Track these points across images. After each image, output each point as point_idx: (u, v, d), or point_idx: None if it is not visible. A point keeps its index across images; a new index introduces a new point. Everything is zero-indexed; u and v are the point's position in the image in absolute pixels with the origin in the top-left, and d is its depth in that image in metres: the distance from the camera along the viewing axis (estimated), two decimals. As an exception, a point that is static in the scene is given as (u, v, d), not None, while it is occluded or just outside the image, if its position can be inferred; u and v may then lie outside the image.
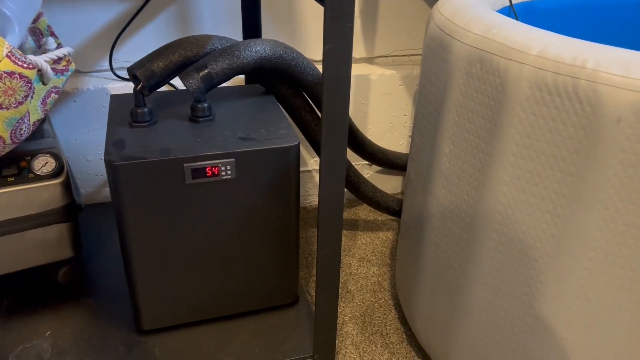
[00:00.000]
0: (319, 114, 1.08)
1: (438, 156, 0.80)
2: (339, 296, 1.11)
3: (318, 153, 1.12)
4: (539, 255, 0.69)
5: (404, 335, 1.01)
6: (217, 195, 0.81)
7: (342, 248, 1.25)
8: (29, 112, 0.86)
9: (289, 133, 0.84)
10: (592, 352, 0.69)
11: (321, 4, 0.61)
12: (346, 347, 0.99)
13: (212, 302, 0.90)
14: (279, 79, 0.98)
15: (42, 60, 0.86)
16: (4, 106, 0.77)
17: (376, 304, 1.09)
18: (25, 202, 0.89)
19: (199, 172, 0.78)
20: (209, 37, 0.87)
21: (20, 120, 0.82)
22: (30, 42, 1.00)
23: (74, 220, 0.95)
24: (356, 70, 1.30)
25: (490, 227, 0.73)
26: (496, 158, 0.70)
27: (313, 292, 1.10)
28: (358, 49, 1.33)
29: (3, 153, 0.84)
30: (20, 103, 0.79)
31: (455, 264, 0.81)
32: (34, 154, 0.91)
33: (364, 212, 1.39)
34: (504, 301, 0.75)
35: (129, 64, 1.21)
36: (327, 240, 0.75)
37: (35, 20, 1.02)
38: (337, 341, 1.01)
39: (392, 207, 1.26)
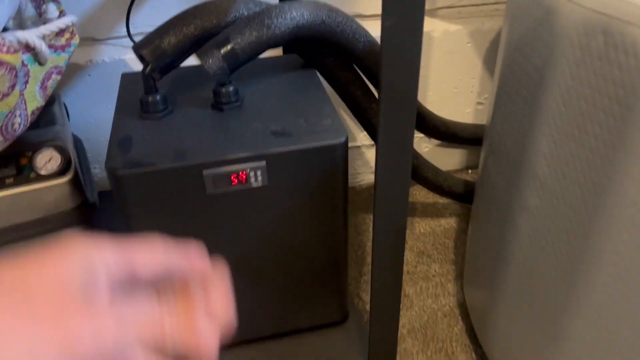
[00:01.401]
0: (372, 88, 0.89)
1: (533, 156, 0.60)
2: (395, 301, 0.95)
3: (370, 133, 0.94)
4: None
5: (473, 355, 0.85)
6: (245, 206, 0.65)
7: (398, 239, 1.08)
8: (24, 101, 0.71)
9: (334, 124, 0.67)
10: None
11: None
12: (405, 369, 0.84)
13: (249, 323, 0.76)
14: (322, 49, 0.79)
15: (33, 36, 0.71)
16: (-17, 101, 0.63)
17: (439, 313, 0.93)
18: (28, 206, 0.76)
19: (222, 180, 0.62)
20: (233, 0, 0.69)
21: (10, 114, 0.68)
22: (30, 10, 0.84)
23: (87, 223, 0.82)
24: (415, 27, 1.09)
25: (610, 248, 0.55)
26: (623, 168, 0.50)
27: (364, 296, 0.95)
28: (417, 1, 1.11)
29: (-5, 152, 0.71)
30: (6, 95, 0.65)
31: (554, 286, 0.63)
32: (36, 148, 0.77)
33: (422, 192, 1.21)
34: (632, 331, 0.57)
35: (150, 28, 1.05)
36: (385, 266, 0.59)
37: (35, -16, 0.86)
38: (393, 360, 0.86)
39: (457, 192, 1.08)
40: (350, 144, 1.20)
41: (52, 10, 0.83)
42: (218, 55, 0.65)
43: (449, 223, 1.13)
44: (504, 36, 0.69)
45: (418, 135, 1.22)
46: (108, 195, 0.99)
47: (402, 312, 0.93)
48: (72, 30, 0.83)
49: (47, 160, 0.77)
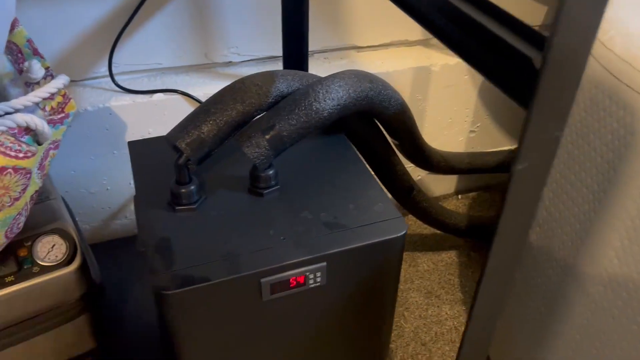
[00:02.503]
0: (391, 143, 0.85)
1: (600, 248, 0.59)
2: (415, 352, 0.94)
3: (385, 185, 0.90)
4: None
5: (499, 406, 0.86)
6: (299, 307, 0.60)
7: (404, 279, 1.07)
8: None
9: (386, 209, 0.63)
10: None
11: (521, 106, 0.38)
12: None
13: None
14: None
15: (35, 118, 0.61)
16: (-7, 210, 0.53)
17: (458, 361, 0.92)
18: (30, 303, 0.67)
19: (280, 286, 0.57)
20: (271, 76, 0.62)
21: (18, 216, 0.58)
22: (7, 65, 0.72)
23: (96, 308, 0.74)
24: (414, 59, 1.06)
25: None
26: None
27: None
28: (414, 30, 1.08)
29: (-4, 254, 0.61)
30: (17, 199, 0.55)
31: (609, 376, 0.63)
32: (34, 235, 0.67)
33: (418, 222, 1.19)
34: None
35: (133, 68, 0.95)
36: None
37: (9, 32, 0.74)
38: (424, 421, 0.85)
39: (461, 228, 1.07)
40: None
41: (36, 68, 0.72)
42: (263, 143, 0.58)
43: (450, 257, 1.12)
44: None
45: (410, 165, 1.19)
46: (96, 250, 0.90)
47: (422, 364, 0.92)
48: (65, 93, 0.73)
49: (49, 248, 0.68)
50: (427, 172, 1.19)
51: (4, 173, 0.51)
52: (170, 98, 0.92)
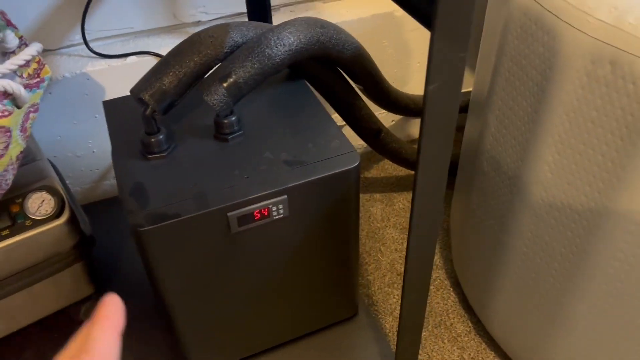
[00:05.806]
0: (352, 84, 0.90)
1: (536, 164, 0.65)
2: (391, 281, 1.01)
3: (352, 127, 0.96)
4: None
5: (469, 324, 0.93)
6: (266, 237, 0.66)
7: (380, 218, 1.13)
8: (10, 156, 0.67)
9: (342, 145, 0.68)
10: None
11: (427, 28, 0.43)
12: (412, 348, 0.91)
13: (268, 335, 0.80)
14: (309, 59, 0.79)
15: (12, 83, 0.66)
16: (-20, 167, 0.59)
17: (432, 287, 0.99)
18: (26, 254, 0.73)
19: (246, 219, 0.63)
20: (225, 28, 0.67)
21: (4, 172, 0.64)
22: (-19, 37, 0.77)
23: (88, 257, 0.80)
24: (377, 6, 1.09)
25: (612, 246, 0.61)
26: (631, 184, 0.56)
27: (366, 290, 1.00)
28: (376, -22, 1.11)
29: (-11, 210, 0.67)
30: (1, 156, 0.61)
31: (559, 275, 0.70)
32: (24, 192, 0.73)
33: (394, 165, 1.25)
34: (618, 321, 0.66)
35: (105, 34, 0.99)
36: (415, 285, 0.63)
37: (-20, 5, 0.79)
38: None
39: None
40: (321, 127, 1.21)
41: (10, 38, 0.76)
42: (222, 91, 0.63)
43: (425, 195, 1.18)
44: (491, 42, 0.71)
45: (382, 112, 1.24)
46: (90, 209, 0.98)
47: (398, 292, 0.99)
48: (39, 60, 0.77)
49: (39, 204, 0.74)
50: (400, 116, 1.24)
51: (-15, 132, 0.56)
52: (143, 60, 0.97)
